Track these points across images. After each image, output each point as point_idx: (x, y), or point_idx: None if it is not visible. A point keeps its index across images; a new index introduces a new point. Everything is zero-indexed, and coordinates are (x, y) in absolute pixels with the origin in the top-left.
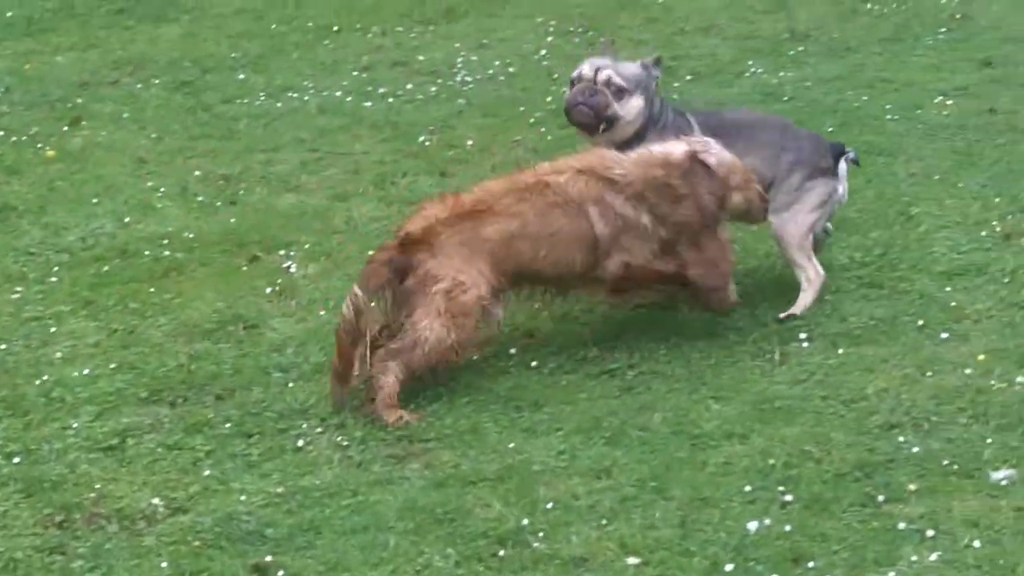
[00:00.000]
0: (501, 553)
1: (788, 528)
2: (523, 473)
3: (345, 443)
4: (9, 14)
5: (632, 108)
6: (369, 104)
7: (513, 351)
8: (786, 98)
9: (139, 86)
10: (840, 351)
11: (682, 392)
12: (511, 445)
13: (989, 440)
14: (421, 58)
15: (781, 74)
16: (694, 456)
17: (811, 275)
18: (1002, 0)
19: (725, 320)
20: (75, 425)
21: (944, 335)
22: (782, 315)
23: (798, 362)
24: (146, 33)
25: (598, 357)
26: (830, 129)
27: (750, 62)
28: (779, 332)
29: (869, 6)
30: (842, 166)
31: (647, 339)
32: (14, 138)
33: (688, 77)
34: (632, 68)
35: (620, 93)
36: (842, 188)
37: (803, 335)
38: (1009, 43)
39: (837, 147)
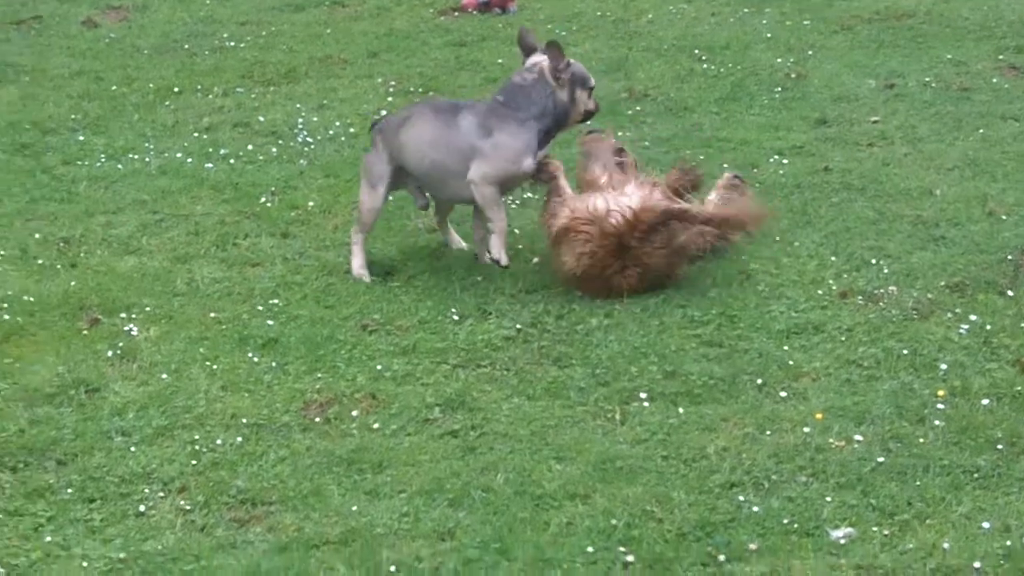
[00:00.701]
0: None
1: None
2: (366, 536)
3: (188, 507)
4: None
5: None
6: (210, 165)
7: (355, 413)
8: None
9: None
10: (681, 410)
11: (524, 452)
12: (354, 508)
13: (828, 498)
14: (262, 119)
15: (619, 134)
16: (537, 517)
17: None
18: (835, 60)
19: (566, 380)
20: None
21: (783, 393)
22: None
23: (639, 421)
24: None
25: (440, 418)
26: None
27: (588, 122)
28: (619, 392)
29: (705, 66)
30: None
31: (488, 400)
32: None
33: None
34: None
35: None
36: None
37: (643, 394)
38: (842, 102)
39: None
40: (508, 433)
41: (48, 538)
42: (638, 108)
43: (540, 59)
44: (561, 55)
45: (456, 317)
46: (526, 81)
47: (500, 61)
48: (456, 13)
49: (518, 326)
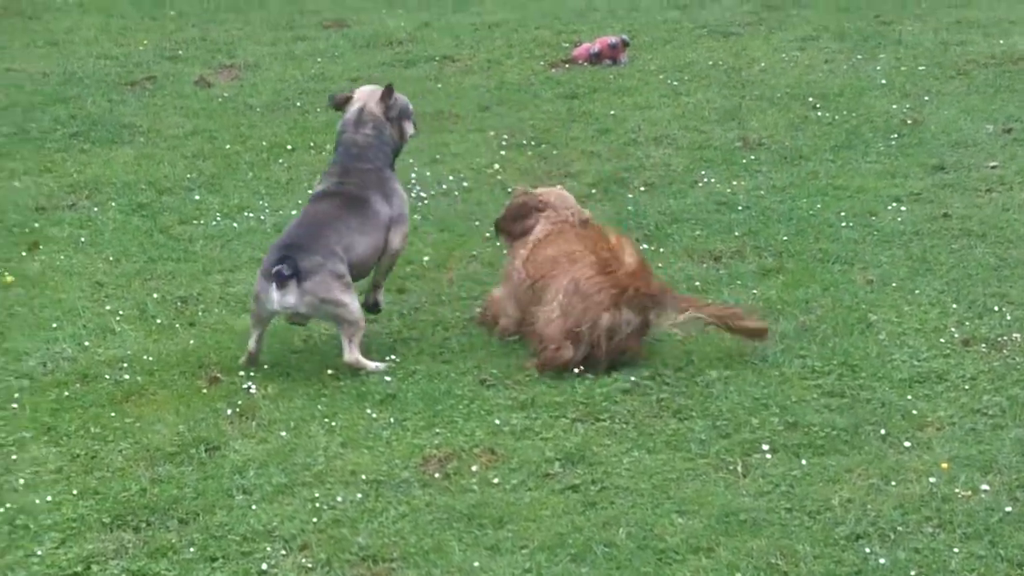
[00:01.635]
0: None
1: None
2: None
3: (310, 565)
4: None
5: None
6: None
7: (475, 468)
8: (740, 207)
9: (96, 209)
10: (803, 461)
11: (646, 506)
12: (475, 563)
13: (956, 549)
14: None
15: (734, 183)
16: (660, 571)
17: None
18: (951, 105)
19: (687, 432)
20: (39, 552)
21: (907, 443)
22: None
23: (761, 473)
24: (101, 156)
25: (560, 472)
26: (784, 238)
27: (703, 171)
28: (740, 444)
29: (820, 113)
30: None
31: (608, 453)
32: None
33: (641, 188)
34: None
35: None
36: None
37: (765, 446)
38: (960, 148)
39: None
40: (629, 487)
41: None
42: (752, 157)
43: (360, 103)
44: (390, 93)
45: (574, 371)
46: (368, 136)
47: (612, 112)
48: (567, 65)
49: (635, 379)
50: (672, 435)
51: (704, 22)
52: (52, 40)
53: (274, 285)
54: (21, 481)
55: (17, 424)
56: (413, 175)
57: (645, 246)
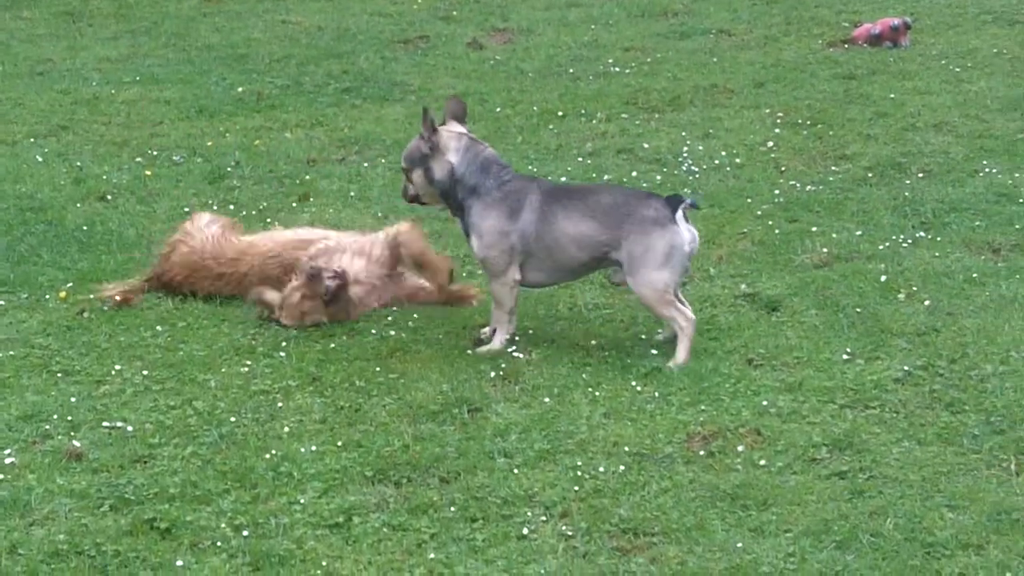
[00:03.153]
0: None
1: None
2: (751, 574)
3: (570, 532)
4: (240, 89)
5: (417, 180)
6: None
7: (740, 448)
8: (1022, 200)
9: (365, 165)
10: None
11: (915, 498)
12: (739, 544)
13: None
14: (646, 146)
15: (1016, 175)
16: (927, 565)
17: (682, 323)
18: None
19: (959, 426)
20: (302, 501)
21: None
22: (670, 364)
23: None
24: (372, 112)
25: (827, 458)
26: None
27: (984, 161)
28: (1016, 441)
29: None
30: (679, 215)
31: (878, 442)
32: (244, 212)
33: (920, 175)
34: (410, 145)
35: (406, 174)
36: (686, 236)
37: None
38: None
39: (673, 200)
40: (898, 477)
41: (431, 555)
42: None
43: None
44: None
45: (845, 356)
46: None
47: (891, 96)
48: (846, 45)
49: (908, 368)
50: (944, 428)
51: (990, 8)
52: None
53: (686, 220)
54: (286, 429)
55: (283, 373)
56: (685, 149)
57: (921, 234)
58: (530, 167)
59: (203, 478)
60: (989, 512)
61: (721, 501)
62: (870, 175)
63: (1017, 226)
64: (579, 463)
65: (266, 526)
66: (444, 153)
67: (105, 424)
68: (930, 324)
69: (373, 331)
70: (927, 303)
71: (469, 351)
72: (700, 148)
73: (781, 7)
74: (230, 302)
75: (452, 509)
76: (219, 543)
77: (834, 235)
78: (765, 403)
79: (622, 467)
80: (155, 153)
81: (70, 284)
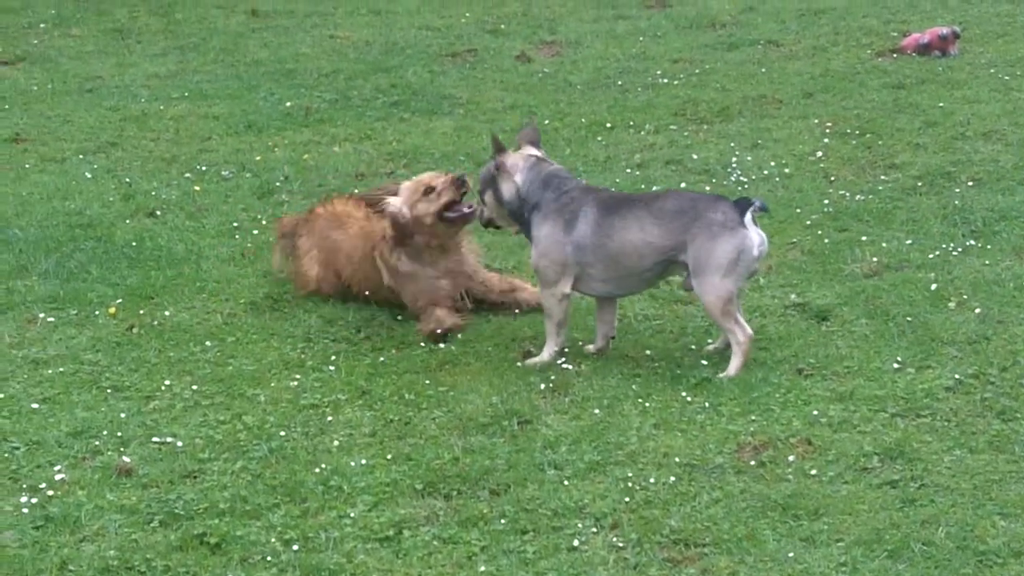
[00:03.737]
0: None
1: None
2: None
3: (620, 544)
4: (288, 104)
5: (489, 202)
6: None
7: (791, 458)
8: None
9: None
10: None
11: (967, 507)
12: (790, 554)
13: None
14: (695, 156)
15: None
16: (980, 573)
17: (740, 338)
18: None
19: (1011, 434)
20: (352, 514)
21: None
22: (721, 375)
23: None
24: (420, 126)
25: (878, 467)
26: None
27: None
28: None
29: None
30: (748, 218)
31: (929, 451)
32: None
33: (969, 183)
34: (482, 169)
35: (480, 197)
36: (755, 240)
37: None
38: None
39: (742, 203)
40: (949, 486)
41: (482, 567)
42: None
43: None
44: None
45: (896, 365)
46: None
47: (940, 105)
48: (894, 55)
49: (959, 376)
50: (995, 436)
51: None
52: (375, 9)
53: (754, 223)
54: (336, 443)
55: (332, 386)
56: (734, 159)
57: (971, 242)
58: (579, 178)
59: (253, 493)
60: None
61: (772, 511)
62: (919, 184)
63: None
64: (629, 474)
65: (316, 540)
66: (512, 174)
67: (155, 439)
68: (981, 332)
69: (421, 344)
70: (977, 311)
71: (518, 363)
72: (749, 159)
73: (829, 17)
74: (279, 316)
75: (502, 521)
76: (269, 558)
77: (884, 244)
78: (816, 413)
79: (672, 478)
80: (204, 168)
81: (119, 300)
